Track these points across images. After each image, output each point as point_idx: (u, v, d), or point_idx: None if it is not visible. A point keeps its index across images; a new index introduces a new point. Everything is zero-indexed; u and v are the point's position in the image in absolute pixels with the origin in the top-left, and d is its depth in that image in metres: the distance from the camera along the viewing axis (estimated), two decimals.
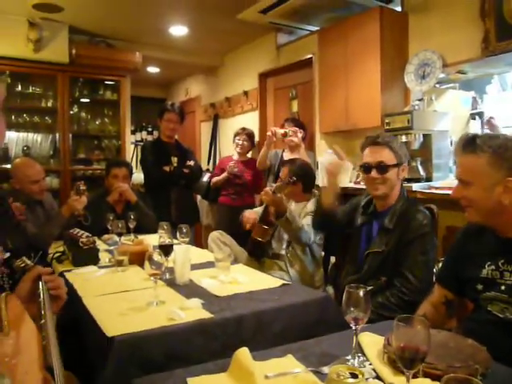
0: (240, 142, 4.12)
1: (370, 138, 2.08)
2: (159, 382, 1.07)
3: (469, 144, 1.37)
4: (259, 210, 3.01)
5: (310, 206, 2.76)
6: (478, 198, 1.35)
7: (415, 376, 1.00)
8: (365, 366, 1.12)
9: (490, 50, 2.78)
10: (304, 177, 2.80)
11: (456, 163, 1.47)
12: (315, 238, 2.67)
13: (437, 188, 2.91)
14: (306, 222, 2.64)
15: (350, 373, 0.79)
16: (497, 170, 1.32)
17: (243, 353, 1.11)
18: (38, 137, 4.69)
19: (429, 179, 3.10)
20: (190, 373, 1.10)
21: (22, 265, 1.55)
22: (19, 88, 4.53)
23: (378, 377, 1.07)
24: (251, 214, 2.99)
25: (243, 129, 4.20)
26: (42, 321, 1.03)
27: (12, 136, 4.57)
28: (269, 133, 3.70)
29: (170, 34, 4.80)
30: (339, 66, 3.70)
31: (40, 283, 1.16)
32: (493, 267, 1.38)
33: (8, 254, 2.30)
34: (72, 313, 1.71)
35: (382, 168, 2.01)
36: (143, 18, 4.37)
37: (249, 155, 4.26)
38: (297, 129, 3.63)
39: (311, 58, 4.21)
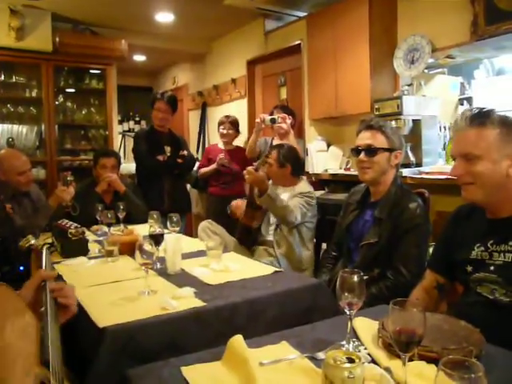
0: (225, 132, 4.06)
1: (364, 122, 2.08)
2: (154, 371, 1.06)
3: (477, 117, 1.35)
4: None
5: (298, 188, 2.77)
6: (486, 172, 1.33)
7: (410, 359, 1.00)
8: (360, 351, 1.12)
9: (478, 34, 2.77)
10: (292, 159, 2.82)
11: (455, 139, 1.43)
12: (303, 219, 2.66)
13: (427, 173, 2.92)
14: (293, 203, 2.64)
15: (347, 357, 0.78)
16: (506, 142, 1.32)
17: (237, 340, 1.10)
18: (24, 128, 4.59)
19: (419, 164, 3.11)
20: (185, 361, 1.09)
21: (27, 244, 1.51)
22: (2, 78, 4.43)
23: (373, 361, 1.07)
24: (238, 206, 2.99)
25: (227, 117, 4.13)
26: (42, 308, 1.00)
27: (1, 128, 4.49)
28: (257, 120, 3.68)
29: (156, 21, 4.73)
30: (328, 52, 3.67)
31: (45, 289, 1.07)
32: (482, 248, 1.39)
33: None
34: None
35: (371, 151, 2.00)
36: (129, 5, 4.29)
37: (234, 143, 4.23)
38: (285, 115, 3.60)
39: (299, 44, 4.17)
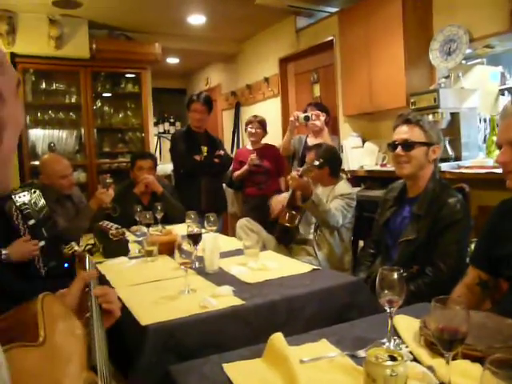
0: (253, 131, 4.07)
1: (401, 117, 2.04)
2: (195, 368, 1.08)
3: None
4: (286, 195, 3.00)
5: (338, 189, 2.74)
6: None
7: (454, 358, 0.98)
8: (401, 349, 1.11)
9: None
10: (330, 160, 2.78)
11: (502, 126, 1.38)
12: (343, 221, 2.64)
13: (467, 167, 2.84)
14: (334, 205, 2.62)
15: (389, 355, 0.77)
16: None
17: (278, 338, 1.11)
18: (64, 133, 4.75)
19: (458, 159, 3.02)
20: (225, 358, 1.11)
21: (71, 251, 1.57)
22: (43, 85, 4.61)
23: (415, 359, 1.05)
24: (278, 202, 2.98)
25: (255, 116, 4.15)
26: (88, 314, 1.02)
27: (38, 133, 4.65)
28: (291, 118, 3.68)
29: (188, 23, 4.79)
30: (361, 47, 3.62)
31: (90, 292, 1.08)
32: None
33: (43, 243, 2.39)
34: None
35: (408, 145, 1.97)
36: (161, 9, 4.36)
37: (264, 141, 4.23)
38: (319, 112, 3.59)
39: (332, 40, 4.13)
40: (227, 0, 4.15)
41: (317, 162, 2.55)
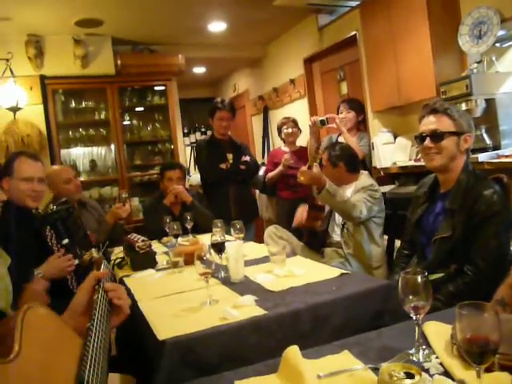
0: (290, 130, 4.01)
1: (427, 107, 1.91)
2: None
3: None
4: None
5: (359, 183, 2.65)
6: None
7: (490, 370, 0.87)
8: (431, 360, 1.01)
9: None
10: (344, 157, 2.73)
11: None
12: (369, 213, 2.53)
13: (507, 156, 2.66)
14: (356, 198, 2.53)
15: (405, 372, 0.68)
16: None
17: (293, 351, 1.03)
18: (101, 150, 4.86)
19: (496, 147, 2.84)
20: (239, 375, 1.05)
21: (89, 257, 1.58)
22: (73, 104, 4.72)
23: (445, 372, 0.95)
24: (302, 211, 2.94)
25: (287, 118, 4.13)
26: (88, 324, 1.00)
27: (78, 152, 4.80)
28: (309, 123, 3.67)
29: (209, 31, 4.79)
30: (386, 39, 3.49)
31: (98, 290, 1.10)
32: None
33: (77, 262, 2.39)
34: (131, 316, 1.73)
35: (437, 136, 1.84)
36: (181, 20, 4.38)
37: (297, 143, 4.17)
38: (334, 115, 3.61)
39: (355, 35, 4.01)
40: (245, 4, 4.11)
41: (318, 148, 2.51)
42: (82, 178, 4.67)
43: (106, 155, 4.86)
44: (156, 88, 5.06)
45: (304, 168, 2.49)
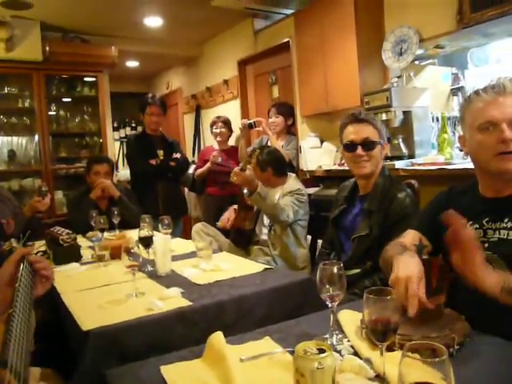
0: (218, 131, 4.10)
1: (351, 115, 2.03)
2: (132, 371, 1.05)
3: None
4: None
5: (287, 186, 2.76)
6: None
7: (391, 349, 0.98)
8: (343, 343, 1.11)
9: (464, 22, 2.75)
10: (272, 162, 2.81)
11: (498, 104, 1.28)
12: (295, 216, 2.64)
13: (419, 164, 2.90)
14: (283, 202, 2.63)
15: (318, 348, 0.76)
16: None
17: (217, 337, 1.09)
18: (22, 139, 4.61)
19: (411, 156, 3.09)
20: (164, 360, 1.08)
21: (9, 248, 1.53)
22: None
23: (355, 353, 1.05)
24: (229, 213, 3.02)
25: (218, 117, 4.21)
26: (10, 310, 1.00)
27: None
28: (240, 126, 3.81)
29: (145, 25, 4.71)
30: (316, 48, 3.65)
31: (21, 265, 1.14)
32: (476, 226, 1.35)
33: None
34: (54, 311, 1.69)
35: (369, 144, 1.96)
36: (116, 11, 4.28)
37: (229, 143, 4.25)
38: (261, 119, 3.75)
39: (288, 41, 4.15)
40: (183, 2, 4.11)
41: (257, 152, 2.59)
42: (1, 168, 4.42)
43: (28, 145, 4.62)
44: (86, 79, 4.88)
45: (237, 169, 2.56)
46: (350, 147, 2.00)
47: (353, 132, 2.00)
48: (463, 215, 1.39)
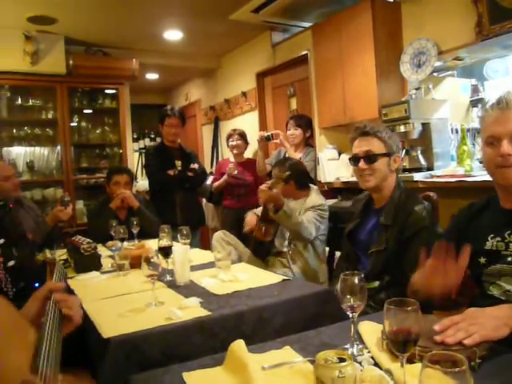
0: (234, 143, 4.14)
1: (358, 129, 2.03)
2: (155, 377, 1.06)
3: None
4: (260, 209, 3.01)
5: (309, 201, 2.75)
6: None
7: (412, 361, 0.98)
8: (363, 354, 1.10)
9: (483, 34, 2.75)
10: (295, 174, 2.79)
11: (501, 119, 1.32)
12: (317, 233, 2.64)
13: (438, 176, 2.88)
14: (306, 217, 2.62)
15: (338, 357, 0.77)
16: None
17: (238, 345, 1.10)
18: (45, 150, 4.72)
19: (430, 168, 3.07)
20: (186, 368, 1.09)
21: (43, 258, 1.54)
22: (19, 101, 4.57)
23: (376, 364, 1.05)
24: (252, 217, 3.00)
25: (234, 130, 4.27)
26: (43, 318, 1.00)
27: (19, 151, 4.63)
28: (257, 138, 3.83)
29: (165, 39, 4.81)
30: (334, 61, 3.68)
31: (50, 300, 1.08)
32: (498, 239, 1.34)
33: (12, 263, 2.31)
34: None
35: (370, 158, 1.96)
36: (137, 25, 4.39)
37: (245, 155, 4.28)
38: (278, 132, 3.79)
39: (306, 54, 4.19)
40: (203, 16, 4.19)
41: (284, 173, 2.58)
42: (24, 178, 4.52)
43: (50, 156, 4.73)
44: (107, 91, 5.00)
45: (264, 187, 2.57)
46: (353, 161, 2.02)
47: (357, 146, 2.02)
48: (484, 228, 1.39)
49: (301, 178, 2.86)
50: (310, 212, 2.66)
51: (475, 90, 3.41)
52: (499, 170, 1.33)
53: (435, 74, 3.33)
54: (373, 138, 1.98)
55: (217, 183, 4.12)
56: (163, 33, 4.65)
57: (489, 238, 1.37)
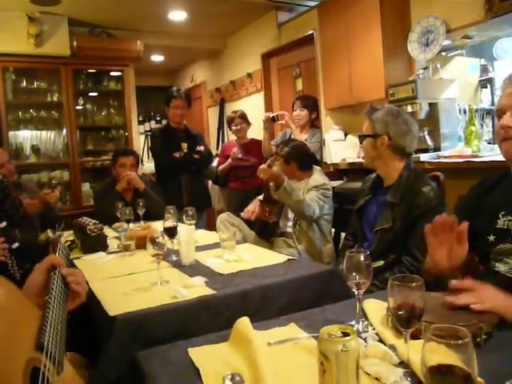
0: (238, 127, 4.10)
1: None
2: (161, 353, 1.07)
3: None
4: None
5: (312, 181, 2.75)
6: None
7: (417, 337, 0.98)
8: (368, 331, 1.11)
9: (493, 12, 2.69)
10: (296, 156, 2.81)
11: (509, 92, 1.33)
12: (320, 212, 2.64)
13: (446, 157, 2.85)
14: (309, 196, 2.62)
15: (342, 332, 0.76)
16: None
17: (243, 322, 1.10)
18: (51, 133, 4.71)
19: (437, 149, 3.04)
20: (192, 344, 1.10)
21: (45, 238, 1.56)
22: (24, 84, 4.56)
23: (380, 340, 1.05)
24: (255, 203, 3.02)
25: (234, 112, 4.20)
26: (47, 297, 1.02)
27: (26, 134, 4.63)
28: (263, 119, 3.80)
29: (169, 19, 4.76)
30: (341, 40, 3.63)
31: (55, 275, 1.09)
32: (510, 217, 1.31)
33: (17, 245, 2.32)
34: None
35: (360, 138, 2.10)
36: (141, 6, 4.34)
37: (250, 136, 4.25)
38: (284, 113, 3.74)
39: (312, 34, 4.13)
40: None
41: (285, 149, 2.59)
42: (30, 161, 4.53)
43: (56, 139, 4.73)
44: (112, 73, 4.97)
45: (264, 166, 2.56)
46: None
47: None
48: (496, 206, 1.36)
49: (302, 159, 2.86)
50: (312, 191, 2.67)
51: (484, 69, 3.35)
52: (502, 143, 1.32)
53: (443, 53, 3.27)
54: (366, 119, 2.08)
55: (222, 166, 4.11)
56: (168, 13, 4.60)
57: (500, 216, 1.34)
